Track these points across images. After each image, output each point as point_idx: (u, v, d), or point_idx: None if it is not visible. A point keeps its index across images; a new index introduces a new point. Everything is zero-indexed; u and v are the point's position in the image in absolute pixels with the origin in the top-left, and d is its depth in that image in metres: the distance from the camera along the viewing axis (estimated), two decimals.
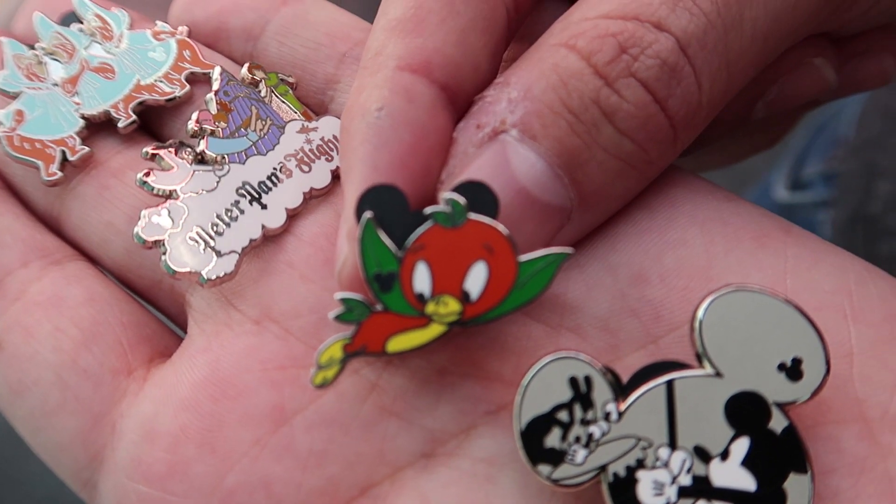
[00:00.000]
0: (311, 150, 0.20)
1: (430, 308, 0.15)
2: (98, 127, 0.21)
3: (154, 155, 0.19)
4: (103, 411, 0.18)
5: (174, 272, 0.18)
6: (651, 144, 0.16)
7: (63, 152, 0.20)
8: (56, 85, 0.21)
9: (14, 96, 0.20)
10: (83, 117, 0.20)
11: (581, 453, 0.15)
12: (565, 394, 0.15)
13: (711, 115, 0.17)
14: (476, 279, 0.15)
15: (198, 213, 0.18)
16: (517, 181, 0.16)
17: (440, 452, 0.17)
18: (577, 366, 0.15)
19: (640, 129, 0.16)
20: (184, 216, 0.18)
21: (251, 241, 0.18)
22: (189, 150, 0.19)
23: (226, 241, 0.18)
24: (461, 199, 0.15)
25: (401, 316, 0.15)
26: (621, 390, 0.15)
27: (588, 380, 0.15)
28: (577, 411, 0.15)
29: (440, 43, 0.16)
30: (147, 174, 0.18)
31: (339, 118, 0.20)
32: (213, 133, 0.19)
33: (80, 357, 0.18)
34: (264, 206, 0.19)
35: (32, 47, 0.21)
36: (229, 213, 0.19)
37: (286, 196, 0.19)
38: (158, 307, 0.20)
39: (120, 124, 0.20)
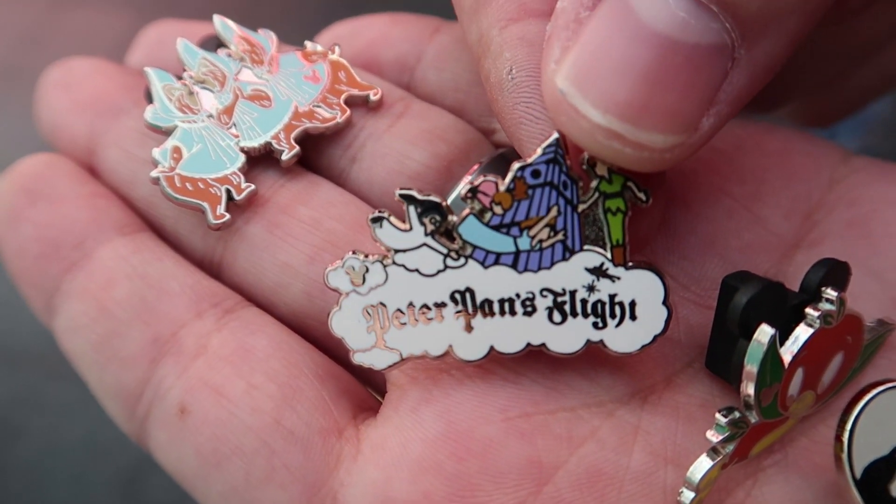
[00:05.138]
0: (583, 302, 0.15)
1: (793, 407, 0.14)
2: (255, 160, 0.19)
3: (404, 197, 0.15)
4: (319, 480, 0.15)
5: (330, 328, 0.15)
6: None
7: (228, 191, 0.18)
8: (210, 116, 0.19)
9: (167, 132, 0.18)
10: (243, 151, 0.18)
11: None
12: None
13: None
14: (832, 370, 0.14)
15: (394, 290, 0.15)
16: (648, 28, 0.12)
17: (729, 502, 0.14)
18: None
19: None
20: (378, 284, 0.15)
21: (424, 354, 0.15)
22: (437, 217, 0.15)
23: (397, 338, 0.15)
24: (845, 297, 0.14)
25: (770, 422, 0.14)
26: None
27: None
28: None
29: None
30: (378, 220, 0.15)
31: (658, 275, 0.15)
32: (480, 213, 0.15)
33: (283, 417, 0.16)
34: (470, 329, 0.15)
35: (179, 77, 0.19)
36: (426, 313, 0.15)
37: (504, 336, 0.15)
38: (341, 355, 0.18)
39: (283, 157, 0.18)
